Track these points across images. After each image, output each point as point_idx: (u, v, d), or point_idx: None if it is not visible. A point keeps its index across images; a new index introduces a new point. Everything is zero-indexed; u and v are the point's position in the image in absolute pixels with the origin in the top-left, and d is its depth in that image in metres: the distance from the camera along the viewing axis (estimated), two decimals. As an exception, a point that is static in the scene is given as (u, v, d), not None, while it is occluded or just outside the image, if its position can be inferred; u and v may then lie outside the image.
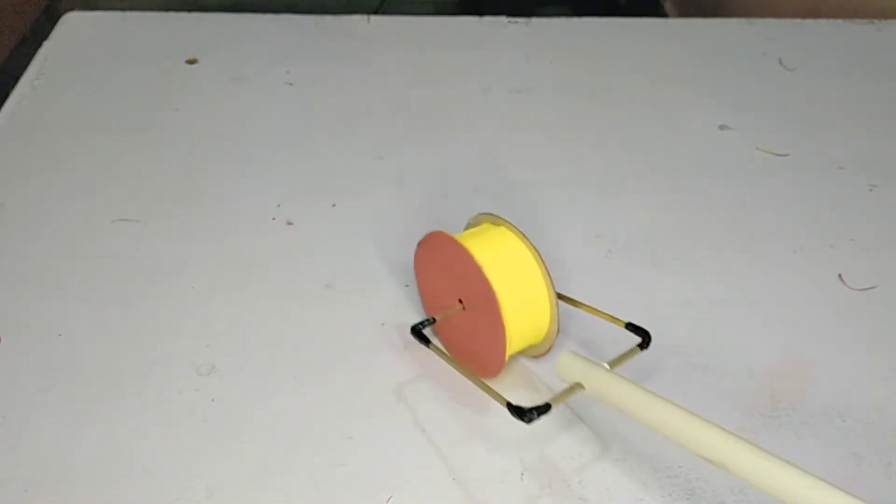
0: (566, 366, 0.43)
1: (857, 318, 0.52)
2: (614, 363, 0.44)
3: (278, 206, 0.58)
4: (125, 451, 0.44)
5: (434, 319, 0.48)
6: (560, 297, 0.47)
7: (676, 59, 0.74)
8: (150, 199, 0.59)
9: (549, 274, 0.45)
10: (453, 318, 0.48)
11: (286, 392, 0.47)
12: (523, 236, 0.46)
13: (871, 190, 0.62)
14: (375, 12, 0.79)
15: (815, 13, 0.81)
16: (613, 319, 0.47)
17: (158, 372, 0.48)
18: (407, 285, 0.53)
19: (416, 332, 0.47)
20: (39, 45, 0.74)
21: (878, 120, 0.68)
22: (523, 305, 0.44)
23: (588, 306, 0.48)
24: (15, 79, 0.70)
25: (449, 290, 0.47)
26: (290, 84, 0.70)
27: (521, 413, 0.41)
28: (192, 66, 0.72)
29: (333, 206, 0.59)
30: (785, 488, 0.35)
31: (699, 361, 0.49)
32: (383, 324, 0.51)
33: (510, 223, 0.46)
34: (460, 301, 0.46)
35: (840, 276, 0.55)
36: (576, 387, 0.42)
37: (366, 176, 0.62)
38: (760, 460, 0.36)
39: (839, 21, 0.79)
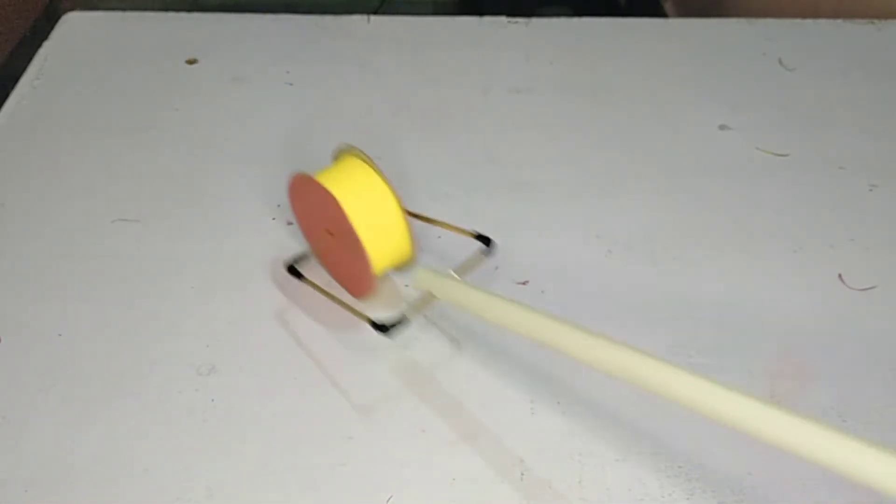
0: (420, 278, 0.48)
1: (857, 318, 0.52)
2: (461, 270, 0.50)
3: (278, 206, 0.58)
4: (125, 451, 0.44)
5: (306, 255, 0.53)
6: (412, 214, 0.52)
7: (676, 59, 0.74)
8: (150, 199, 0.59)
9: (397, 194, 0.49)
10: (327, 248, 0.52)
11: (286, 392, 0.47)
12: (371, 163, 0.49)
13: (871, 190, 0.62)
14: (375, 12, 0.79)
15: (815, 13, 0.81)
16: (464, 232, 0.53)
17: (158, 372, 0.48)
18: (407, 285, 0.53)
19: (290, 268, 0.52)
20: (39, 45, 0.74)
21: (878, 120, 0.68)
22: (379, 226, 0.48)
23: (441, 222, 0.53)
24: (15, 79, 0.70)
25: (319, 223, 0.51)
26: (290, 84, 0.70)
27: (381, 328, 0.46)
28: (192, 66, 0.72)
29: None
30: (619, 364, 0.39)
31: (699, 361, 0.49)
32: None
33: (360, 151, 0.50)
34: (329, 232, 0.50)
35: (840, 276, 0.55)
36: (429, 296, 0.48)
37: (366, 176, 0.61)
38: (590, 340, 0.40)
39: (839, 21, 0.79)
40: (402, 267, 0.52)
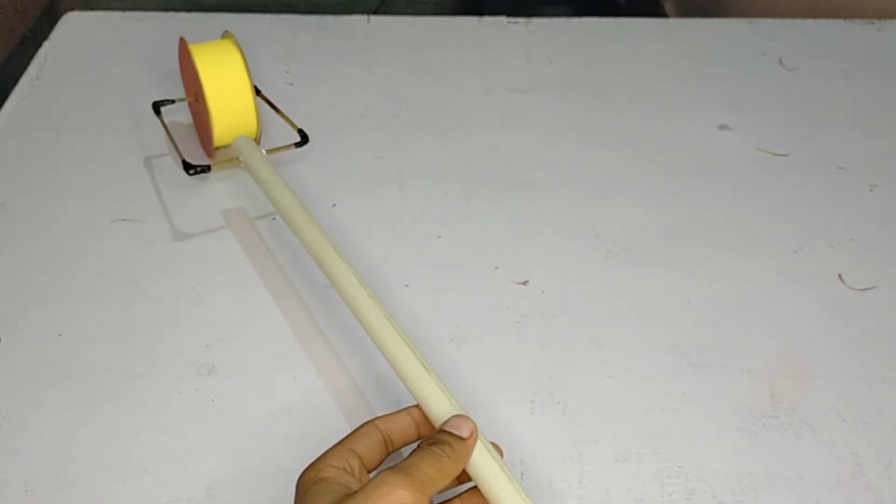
0: (237, 144, 0.57)
1: (857, 318, 0.52)
2: (270, 151, 0.58)
3: (278, 206, 0.58)
4: (125, 451, 0.44)
5: (173, 101, 0.61)
6: (261, 95, 0.61)
7: (676, 59, 0.74)
8: (150, 199, 0.59)
9: (251, 79, 0.58)
10: (195, 112, 0.62)
11: (286, 392, 0.47)
12: (240, 49, 0.58)
13: (871, 190, 0.62)
14: (375, 12, 0.79)
15: (815, 13, 0.81)
16: (292, 124, 0.60)
17: (158, 372, 0.48)
18: (406, 285, 0.53)
19: (155, 106, 0.61)
20: (39, 45, 0.74)
21: (878, 120, 0.68)
22: (230, 103, 0.57)
23: (280, 111, 0.61)
24: (15, 79, 0.70)
25: (191, 85, 0.60)
26: (291, 84, 0.70)
27: (187, 167, 0.55)
28: (192, 66, 0.71)
29: (333, 206, 0.59)
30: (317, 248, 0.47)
31: (699, 361, 0.49)
32: (383, 324, 0.51)
33: (233, 37, 0.59)
34: (195, 96, 0.59)
35: (840, 276, 0.55)
36: (234, 160, 0.57)
37: (366, 176, 0.62)
38: (311, 226, 0.48)
39: (839, 21, 0.79)
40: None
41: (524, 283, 0.54)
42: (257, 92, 0.60)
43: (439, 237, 0.57)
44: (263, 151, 0.56)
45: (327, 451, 0.36)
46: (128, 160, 0.62)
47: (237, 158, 0.56)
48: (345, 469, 0.35)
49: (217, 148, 0.59)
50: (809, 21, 0.79)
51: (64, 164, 0.62)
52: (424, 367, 0.40)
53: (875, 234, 0.58)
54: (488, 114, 0.68)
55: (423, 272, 0.54)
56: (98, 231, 0.56)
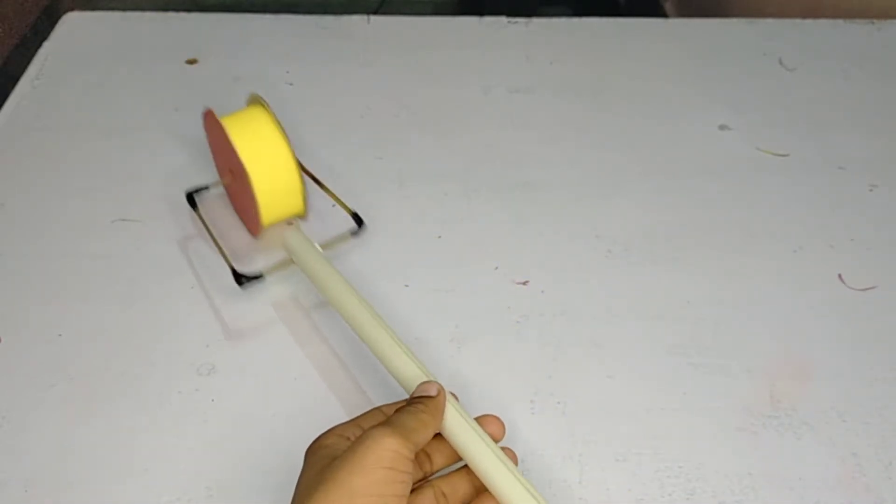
0: (287, 240, 0.50)
1: (857, 318, 0.52)
2: (326, 245, 0.51)
3: (278, 206, 0.58)
4: (125, 451, 0.44)
5: (207, 187, 0.56)
6: (307, 173, 0.56)
7: (676, 59, 0.74)
8: (150, 199, 0.59)
9: (293, 153, 0.52)
10: (230, 186, 0.56)
11: (286, 392, 0.47)
12: (275, 117, 0.52)
13: (871, 190, 0.62)
14: (375, 12, 0.79)
15: (815, 13, 0.81)
16: (343, 205, 0.55)
17: (158, 372, 0.48)
18: (406, 285, 0.53)
19: (189, 197, 0.56)
20: (39, 45, 0.74)
21: (878, 120, 0.68)
22: (274, 179, 0.51)
23: (329, 190, 0.56)
24: (15, 79, 0.70)
25: (225, 162, 0.54)
26: (290, 84, 0.70)
27: (237, 278, 0.49)
28: (192, 66, 0.72)
29: (333, 206, 0.59)
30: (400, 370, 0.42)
31: (699, 361, 0.49)
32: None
33: (266, 104, 0.52)
34: (231, 172, 0.53)
35: (840, 276, 0.55)
36: (287, 262, 0.50)
37: (366, 176, 0.62)
38: (384, 336, 0.43)
39: (839, 21, 0.79)
40: (294, 220, 0.56)
41: (524, 283, 0.54)
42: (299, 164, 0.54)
43: (439, 237, 0.57)
44: (318, 247, 0.49)
45: (337, 425, 0.39)
46: (128, 160, 0.62)
47: (290, 260, 0.50)
48: (348, 438, 0.38)
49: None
50: (809, 21, 0.79)
51: (64, 164, 0.62)
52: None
53: (875, 234, 0.58)
54: (488, 114, 0.68)
55: (423, 272, 0.54)
56: (98, 231, 0.56)
